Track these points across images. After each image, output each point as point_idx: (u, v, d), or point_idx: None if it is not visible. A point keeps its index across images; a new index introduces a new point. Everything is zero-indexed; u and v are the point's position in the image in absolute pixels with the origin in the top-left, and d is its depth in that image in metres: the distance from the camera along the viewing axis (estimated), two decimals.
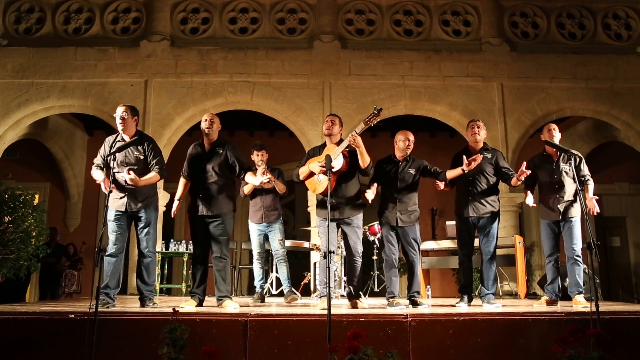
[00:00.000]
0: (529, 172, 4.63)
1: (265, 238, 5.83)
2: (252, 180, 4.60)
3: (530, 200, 4.95)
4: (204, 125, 4.57)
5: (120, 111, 4.39)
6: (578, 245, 4.76)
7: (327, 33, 8.58)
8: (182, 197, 4.79)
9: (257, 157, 5.49)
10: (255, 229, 5.77)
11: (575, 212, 4.80)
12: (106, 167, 4.40)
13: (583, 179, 4.84)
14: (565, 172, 4.83)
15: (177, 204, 4.77)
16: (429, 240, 7.71)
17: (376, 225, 6.91)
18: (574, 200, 4.78)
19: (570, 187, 4.80)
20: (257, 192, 5.64)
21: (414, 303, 4.61)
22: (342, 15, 8.83)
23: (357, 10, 8.90)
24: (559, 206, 4.81)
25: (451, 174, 4.72)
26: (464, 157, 4.64)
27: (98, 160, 4.50)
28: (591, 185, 4.87)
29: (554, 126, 4.96)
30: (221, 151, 4.59)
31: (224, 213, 4.51)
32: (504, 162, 4.90)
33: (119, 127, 4.42)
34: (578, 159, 4.84)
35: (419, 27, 8.87)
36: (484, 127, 4.93)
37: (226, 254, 4.51)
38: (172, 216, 4.86)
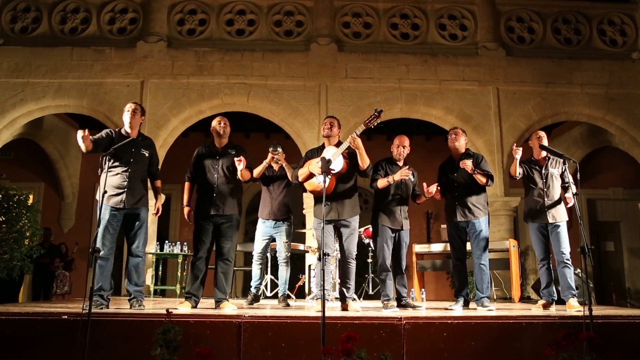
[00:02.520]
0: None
1: (272, 240, 5.67)
2: (258, 168, 4.95)
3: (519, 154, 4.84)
4: (219, 126, 4.66)
5: (131, 107, 4.46)
6: (567, 248, 4.81)
7: (323, 36, 8.59)
8: (189, 201, 4.78)
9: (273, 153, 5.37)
10: (262, 231, 5.54)
11: (561, 216, 4.87)
12: (98, 146, 4.29)
13: (567, 185, 4.90)
14: (555, 177, 4.90)
15: (187, 210, 4.73)
16: (429, 244, 7.68)
17: (371, 228, 6.91)
18: (560, 204, 4.85)
19: (557, 191, 4.89)
20: (268, 181, 5.53)
21: (406, 305, 4.65)
22: (339, 18, 8.84)
23: (354, 14, 8.91)
24: (546, 210, 4.86)
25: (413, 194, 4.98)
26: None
27: (96, 136, 4.39)
28: (572, 189, 4.91)
29: (541, 133, 5.08)
30: (234, 153, 4.63)
31: (235, 214, 4.61)
32: (485, 164, 4.90)
33: (127, 120, 4.43)
34: (564, 165, 4.92)
35: (416, 30, 8.89)
36: (464, 134, 5.02)
37: (232, 257, 4.61)
38: (190, 221, 4.74)
